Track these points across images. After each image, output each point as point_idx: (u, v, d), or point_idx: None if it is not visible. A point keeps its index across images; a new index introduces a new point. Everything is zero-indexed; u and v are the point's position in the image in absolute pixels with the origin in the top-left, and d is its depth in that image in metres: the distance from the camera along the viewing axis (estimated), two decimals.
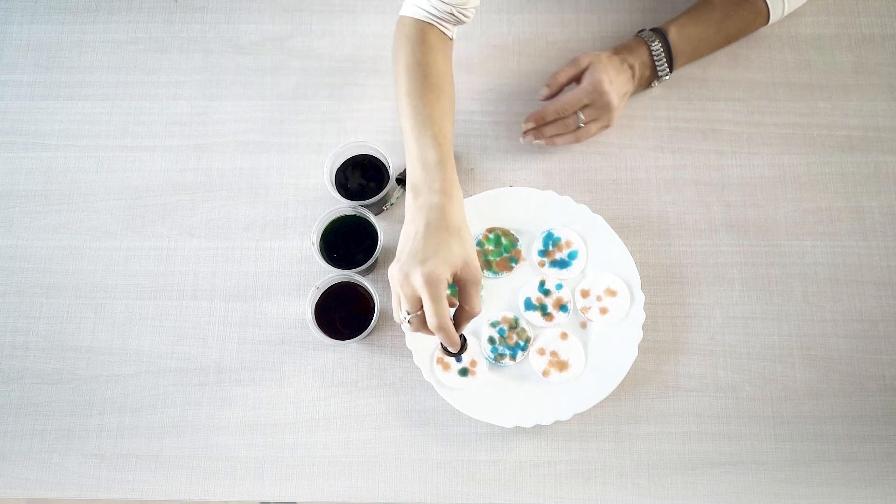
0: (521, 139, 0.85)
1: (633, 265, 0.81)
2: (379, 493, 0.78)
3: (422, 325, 0.65)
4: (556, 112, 0.81)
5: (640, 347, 0.79)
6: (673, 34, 0.83)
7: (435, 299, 0.62)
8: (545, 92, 0.84)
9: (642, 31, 0.85)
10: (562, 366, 0.79)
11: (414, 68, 0.74)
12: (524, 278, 0.83)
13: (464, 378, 0.78)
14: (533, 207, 0.84)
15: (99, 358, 0.82)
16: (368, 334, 0.76)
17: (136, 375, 0.81)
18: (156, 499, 0.78)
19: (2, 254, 0.85)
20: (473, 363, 0.79)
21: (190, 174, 0.87)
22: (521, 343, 0.80)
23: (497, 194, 0.84)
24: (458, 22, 0.78)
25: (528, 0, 0.93)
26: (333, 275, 0.77)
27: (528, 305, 0.81)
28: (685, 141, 0.88)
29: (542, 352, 0.80)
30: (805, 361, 0.81)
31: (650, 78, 0.85)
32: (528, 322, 0.81)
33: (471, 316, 0.67)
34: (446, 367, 0.79)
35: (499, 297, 0.82)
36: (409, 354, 0.80)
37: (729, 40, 0.86)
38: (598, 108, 0.81)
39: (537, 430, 0.79)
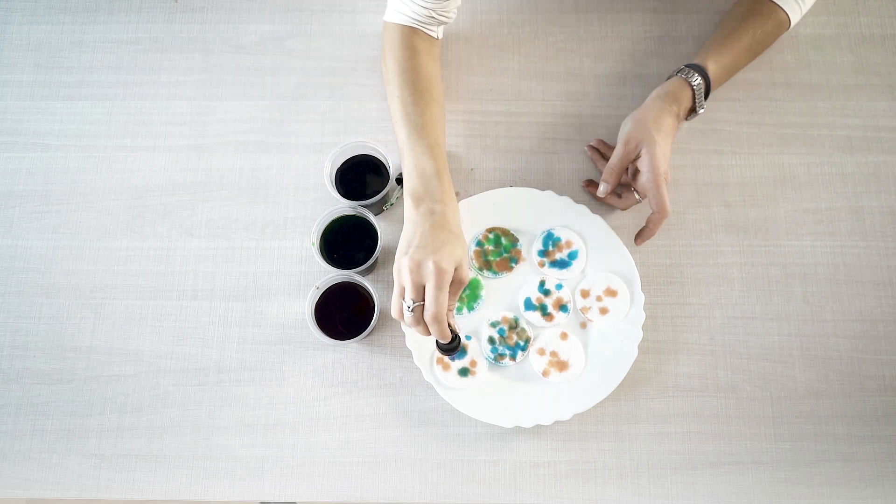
0: (636, 244, 0.82)
1: (633, 265, 0.81)
2: (379, 493, 0.78)
3: (421, 318, 0.68)
4: (665, 217, 0.77)
5: (640, 347, 0.79)
6: (712, 69, 0.81)
7: (440, 288, 0.66)
8: (606, 188, 0.80)
9: (681, 69, 0.81)
10: (562, 366, 0.79)
11: (402, 74, 0.77)
12: (524, 278, 0.83)
13: (464, 378, 0.78)
14: (533, 207, 0.84)
15: (99, 358, 0.82)
16: (368, 334, 0.76)
17: (136, 375, 0.81)
18: (156, 499, 0.78)
19: (2, 254, 0.85)
20: (473, 363, 0.79)
21: (190, 174, 0.87)
22: (521, 343, 0.80)
23: (497, 194, 0.84)
24: (441, 23, 0.80)
25: (527, 0, 0.93)
26: (333, 275, 0.77)
27: (528, 305, 0.81)
28: (685, 141, 0.88)
29: (542, 352, 0.80)
30: (805, 361, 0.81)
31: (687, 115, 0.84)
32: (528, 322, 0.81)
33: (451, 313, 0.71)
34: (446, 367, 0.79)
35: (499, 297, 0.82)
36: (409, 354, 0.80)
37: (756, 56, 0.86)
38: None
39: (537, 430, 0.79)
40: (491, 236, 0.83)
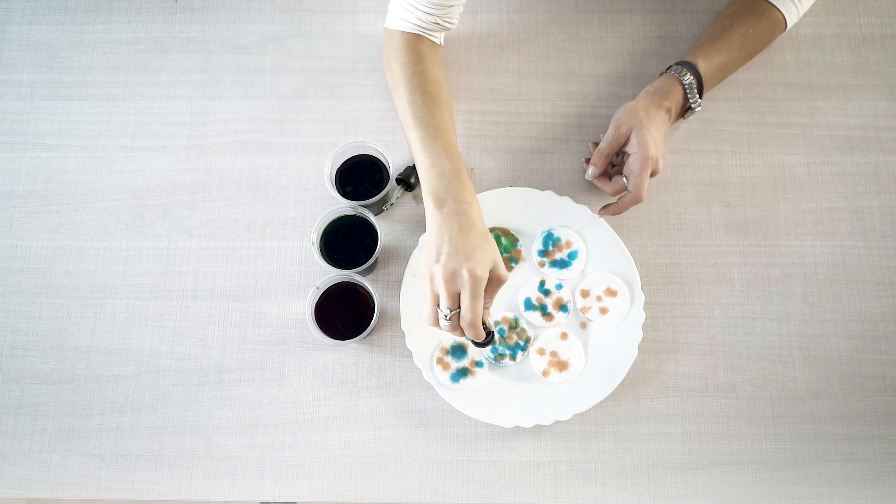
0: (599, 214, 0.82)
1: (633, 265, 0.81)
2: (379, 493, 0.78)
3: (457, 325, 0.68)
4: (638, 201, 0.78)
5: (640, 347, 0.79)
6: (702, 66, 0.81)
7: (475, 296, 0.66)
8: (594, 171, 0.80)
9: (671, 67, 0.82)
10: (562, 366, 0.79)
11: (410, 79, 0.77)
12: (524, 278, 0.83)
13: (464, 378, 0.78)
14: (533, 207, 0.84)
15: (99, 358, 0.82)
16: (368, 334, 0.76)
17: (136, 375, 0.81)
18: (156, 499, 0.78)
19: (2, 254, 0.85)
20: (473, 363, 0.79)
21: (190, 174, 0.87)
22: (521, 343, 0.80)
23: (497, 194, 0.84)
24: (444, 29, 0.80)
25: (527, 0, 0.93)
26: (333, 275, 0.77)
27: (528, 305, 0.81)
28: (685, 141, 0.88)
29: (542, 352, 0.80)
30: (805, 361, 0.81)
31: (682, 112, 0.84)
32: (528, 322, 0.81)
33: (487, 311, 0.71)
34: (446, 367, 0.79)
35: (499, 297, 0.82)
36: (409, 354, 0.81)
37: (752, 55, 0.86)
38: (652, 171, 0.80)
39: (537, 430, 0.79)
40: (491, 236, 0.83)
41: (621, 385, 0.78)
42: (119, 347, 0.82)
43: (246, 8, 0.93)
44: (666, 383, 0.80)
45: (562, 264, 0.82)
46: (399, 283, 0.82)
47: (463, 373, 0.79)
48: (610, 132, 0.79)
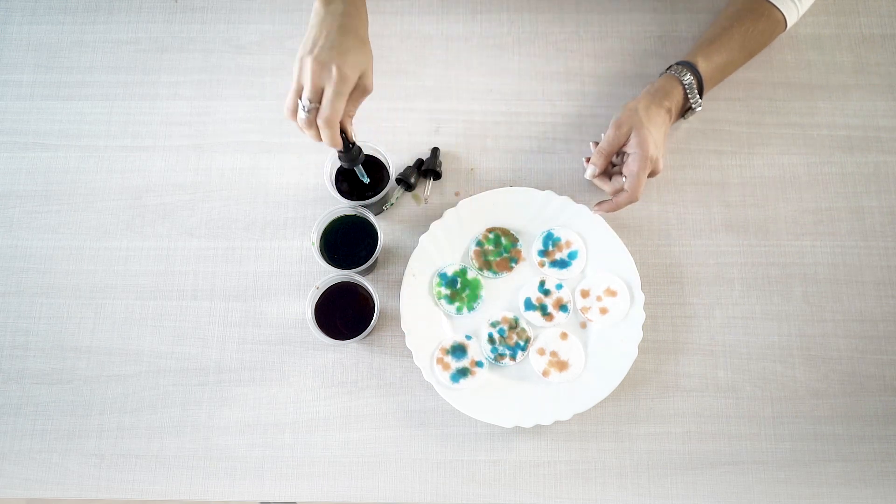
0: (594, 211, 0.82)
1: (633, 265, 0.81)
2: (379, 493, 0.78)
3: (314, 120, 0.67)
4: (633, 200, 0.78)
5: (640, 347, 0.79)
6: (702, 66, 0.81)
7: (339, 94, 0.65)
8: (594, 170, 0.79)
9: (671, 66, 0.82)
10: (562, 366, 0.79)
11: None
12: (524, 278, 0.83)
13: (464, 378, 0.78)
14: (533, 207, 0.84)
15: (99, 358, 0.82)
16: (368, 334, 0.76)
17: (136, 375, 0.81)
18: (156, 499, 0.78)
19: (2, 254, 0.85)
20: (473, 363, 0.79)
21: (190, 174, 0.87)
22: (521, 343, 0.80)
23: (497, 194, 0.84)
24: None
25: (527, 0, 0.93)
26: (333, 275, 0.77)
27: (528, 305, 0.81)
28: (685, 141, 0.88)
29: (542, 352, 0.80)
30: (805, 361, 0.81)
31: (682, 112, 0.84)
32: (528, 322, 0.81)
33: (349, 118, 0.70)
34: (446, 367, 0.79)
35: (499, 297, 0.82)
36: (409, 354, 0.81)
37: (752, 55, 0.86)
38: (650, 171, 0.79)
39: (537, 430, 0.79)
40: (491, 236, 0.83)
41: (621, 385, 0.78)
42: (119, 347, 0.82)
43: (246, 8, 0.93)
44: (666, 383, 0.80)
45: (562, 264, 0.82)
46: (399, 283, 0.82)
47: (463, 373, 0.79)
48: (610, 132, 0.79)
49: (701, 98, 0.82)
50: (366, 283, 0.77)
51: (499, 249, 0.83)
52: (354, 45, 0.67)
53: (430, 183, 0.86)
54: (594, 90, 0.89)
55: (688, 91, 0.81)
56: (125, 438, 0.79)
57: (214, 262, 0.84)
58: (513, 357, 0.80)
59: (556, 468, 0.78)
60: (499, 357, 0.80)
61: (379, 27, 0.92)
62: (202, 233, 0.85)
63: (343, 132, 0.69)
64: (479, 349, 0.80)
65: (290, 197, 0.86)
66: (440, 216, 0.83)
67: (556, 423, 0.78)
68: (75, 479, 0.79)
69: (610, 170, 0.82)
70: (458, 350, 0.79)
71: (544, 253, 0.83)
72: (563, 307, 0.81)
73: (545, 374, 0.79)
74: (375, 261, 0.78)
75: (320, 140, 0.68)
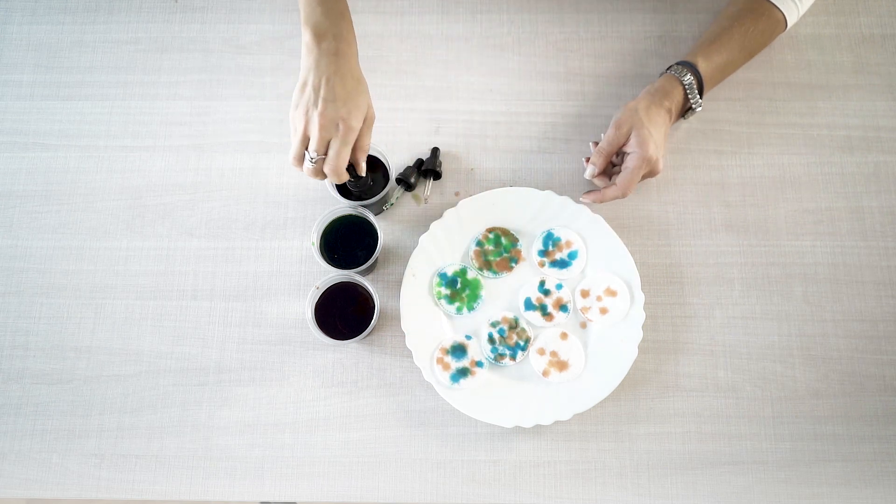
0: (581, 199, 0.82)
1: (633, 265, 0.81)
2: (379, 493, 0.78)
3: (321, 169, 0.68)
4: (621, 196, 0.79)
5: (640, 347, 0.79)
6: (703, 66, 0.81)
7: (346, 143, 0.67)
8: (593, 170, 0.80)
9: (671, 67, 0.83)
10: (562, 366, 0.79)
11: None
12: (524, 278, 0.83)
13: (464, 378, 0.78)
14: (533, 207, 0.84)
15: (99, 358, 0.82)
16: (368, 334, 0.76)
17: (136, 375, 0.81)
18: (156, 499, 0.78)
19: (2, 254, 0.85)
20: (473, 363, 0.79)
21: (190, 174, 0.87)
22: (521, 343, 0.80)
23: (497, 194, 0.84)
24: None
25: (527, 0, 0.93)
26: (333, 275, 0.77)
27: (528, 305, 0.81)
28: (685, 141, 0.88)
29: (542, 352, 0.80)
30: (805, 361, 0.81)
31: (682, 112, 0.84)
32: (528, 322, 0.81)
33: (365, 152, 0.72)
34: (446, 367, 0.79)
35: (499, 297, 0.82)
36: (409, 354, 0.81)
37: (752, 55, 0.85)
38: (648, 172, 0.80)
39: (537, 430, 0.79)
40: (491, 236, 0.83)
41: (621, 385, 0.78)
42: (119, 347, 0.82)
43: (246, 8, 0.93)
44: (666, 383, 0.80)
45: (562, 264, 0.82)
46: (399, 283, 0.82)
47: (463, 373, 0.79)
48: (610, 132, 0.79)
49: (701, 98, 0.82)
50: (366, 283, 0.77)
51: (499, 249, 0.83)
52: (353, 88, 0.68)
53: (430, 183, 0.86)
54: (594, 90, 0.89)
55: (688, 91, 0.81)
56: (125, 438, 0.79)
57: (214, 262, 0.84)
58: (513, 357, 0.80)
59: (556, 468, 0.78)
60: (499, 357, 0.80)
61: (379, 27, 0.92)
62: (202, 233, 0.85)
63: (355, 166, 0.71)
64: (479, 349, 0.80)
65: (290, 197, 0.86)
66: (440, 216, 0.83)
67: (556, 423, 0.78)
68: (75, 479, 0.79)
69: (610, 170, 0.82)
70: (458, 350, 0.80)
71: (544, 253, 0.83)
72: (563, 307, 0.81)
73: (545, 374, 0.79)
74: (375, 261, 0.78)
75: (324, 178, 0.70)
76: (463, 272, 0.82)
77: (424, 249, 0.82)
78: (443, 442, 0.79)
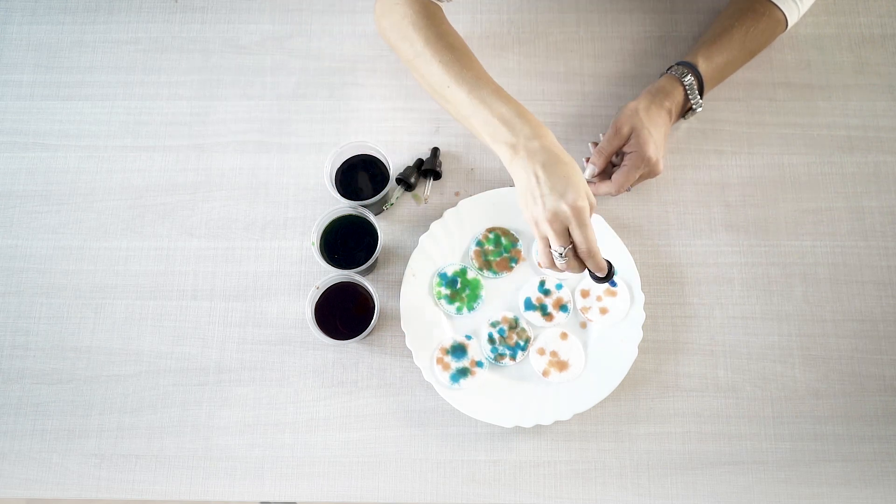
0: None
1: (633, 265, 0.81)
2: (379, 493, 0.78)
3: (574, 257, 0.68)
4: (613, 193, 0.80)
5: (640, 347, 0.79)
6: (703, 66, 0.81)
7: (584, 226, 0.66)
8: (593, 170, 0.81)
9: (671, 67, 0.83)
10: (562, 366, 0.79)
11: (435, 41, 0.73)
12: (524, 278, 0.83)
13: (464, 378, 0.78)
14: None
15: (99, 358, 0.82)
16: (368, 334, 0.76)
17: (136, 375, 0.81)
18: (156, 499, 0.78)
19: (2, 254, 0.85)
20: (473, 363, 0.79)
21: (190, 174, 0.87)
22: (521, 343, 0.80)
23: (497, 194, 0.84)
24: None
25: (527, 0, 0.93)
26: (333, 275, 0.77)
27: (528, 305, 0.81)
28: (685, 141, 0.88)
29: (542, 352, 0.80)
30: (805, 361, 0.81)
31: (682, 112, 0.84)
32: (528, 322, 0.81)
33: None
34: (446, 367, 0.79)
35: (499, 297, 0.82)
36: (409, 354, 0.81)
37: (753, 55, 0.86)
38: (648, 172, 0.80)
39: (537, 430, 0.79)
40: (491, 236, 0.83)
41: (621, 385, 0.78)
42: (119, 347, 0.82)
43: (246, 8, 0.93)
44: (666, 383, 0.80)
45: None
46: (399, 283, 0.82)
47: (463, 373, 0.79)
48: (610, 132, 0.79)
49: (702, 98, 0.82)
50: (366, 283, 0.77)
51: (499, 249, 0.83)
52: (565, 171, 0.66)
53: (430, 183, 0.86)
54: (594, 90, 0.89)
55: (688, 91, 0.81)
56: (125, 438, 0.79)
57: (214, 262, 0.84)
58: (513, 357, 0.80)
59: (556, 468, 0.78)
60: (499, 357, 0.80)
61: None
62: (202, 233, 0.85)
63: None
64: (479, 349, 0.80)
65: (290, 197, 0.86)
66: (440, 216, 0.83)
67: (556, 423, 0.78)
68: (75, 479, 0.79)
69: (610, 170, 0.82)
70: (458, 350, 0.80)
71: None
72: (563, 307, 0.81)
73: (545, 374, 0.79)
74: (375, 261, 0.78)
75: (582, 270, 0.69)
76: (463, 272, 0.82)
77: (424, 249, 0.82)
78: (443, 442, 0.79)
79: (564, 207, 0.65)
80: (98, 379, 0.81)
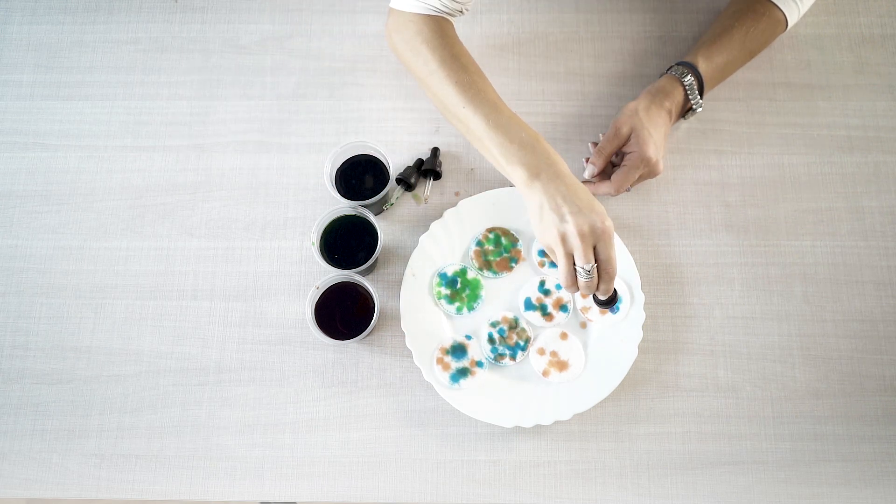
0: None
1: (633, 265, 0.81)
2: (379, 493, 0.78)
3: (596, 279, 0.70)
4: (612, 193, 0.80)
5: (640, 347, 0.79)
6: (703, 66, 0.81)
7: (612, 245, 0.68)
8: (593, 170, 0.81)
9: (671, 67, 0.83)
10: (562, 366, 0.79)
11: (450, 61, 0.74)
12: (524, 278, 0.83)
13: (464, 378, 0.78)
14: None
15: (99, 358, 0.82)
16: (368, 334, 0.76)
17: (136, 375, 0.81)
18: (156, 499, 0.78)
19: (2, 254, 0.85)
20: (473, 363, 0.79)
21: (190, 174, 0.87)
22: (521, 343, 0.80)
23: (497, 194, 0.84)
24: (460, 13, 0.79)
25: (527, 0, 0.93)
26: (333, 275, 0.77)
27: (528, 305, 0.81)
28: (685, 141, 0.88)
29: (542, 352, 0.80)
30: (805, 361, 0.81)
31: (682, 112, 0.85)
32: (528, 322, 0.81)
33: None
34: (446, 367, 0.79)
35: (499, 297, 0.82)
36: (409, 354, 0.81)
37: (753, 55, 0.86)
38: (648, 172, 0.80)
39: (537, 430, 0.79)
40: (491, 236, 0.83)
41: (621, 385, 0.78)
42: (119, 347, 0.82)
43: (246, 8, 0.93)
44: (666, 383, 0.80)
45: None
46: (399, 283, 0.82)
47: (463, 373, 0.79)
48: (610, 132, 0.79)
49: (701, 98, 0.82)
50: (366, 283, 0.77)
51: (499, 249, 0.83)
52: (588, 198, 0.68)
53: (430, 183, 0.86)
54: (594, 90, 0.90)
55: (688, 91, 0.81)
56: (125, 438, 0.79)
57: (214, 262, 0.84)
58: (513, 357, 0.80)
59: (556, 468, 0.78)
60: (499, 357, 0.80)
61: (379, 27, 0.92)
62: (202, 233, 0.85)
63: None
64: (479, 349, 0.80)
65: (290, 197, 0.86)
66: (440, 216, 0.83)
67: (556, 423, 0.78)
68: (75, 479, 0.79)
69: (609, 170, 0.82)
70: (458, 350, 0.80)
71: (544, 253, 0.83)
72: (563, 307, 0.81)
73: (545, 374, 0.79)
74: (375, 261, 0.78)
75: (593, 293, 0.71)
76: (463, 272, 0.82)
77: (424, 249, 0.82)
78: (443, 442, 0.79)
79: (598, 224, 0.66)
80: (98, 379, 0.81)
